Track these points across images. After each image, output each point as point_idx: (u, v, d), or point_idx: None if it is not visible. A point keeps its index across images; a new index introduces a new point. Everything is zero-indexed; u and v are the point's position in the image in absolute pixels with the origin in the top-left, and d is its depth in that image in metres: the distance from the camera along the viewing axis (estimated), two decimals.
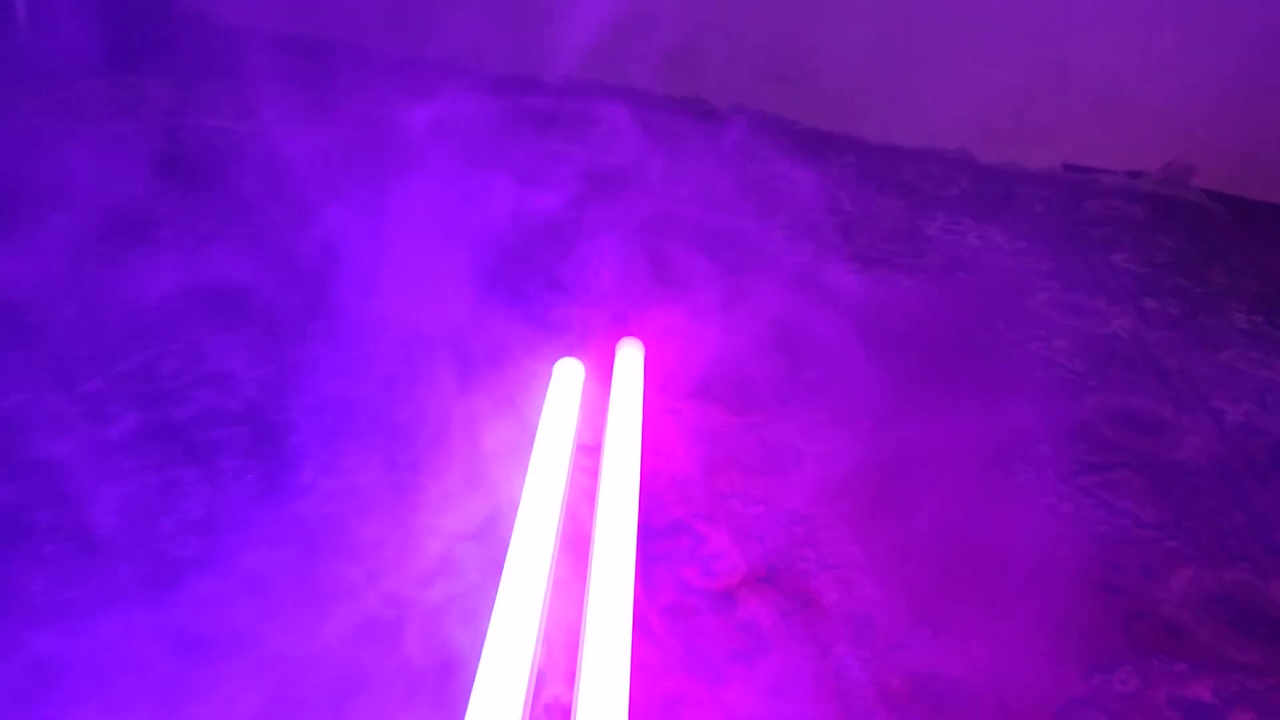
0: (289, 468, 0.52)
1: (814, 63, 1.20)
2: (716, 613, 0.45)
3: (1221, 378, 0.73)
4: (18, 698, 0.38)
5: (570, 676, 0.40)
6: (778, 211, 0.94)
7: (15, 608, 0.42)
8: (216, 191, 0.87)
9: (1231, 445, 0.64)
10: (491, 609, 0.40)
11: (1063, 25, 1.11)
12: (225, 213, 0.83)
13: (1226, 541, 0.54)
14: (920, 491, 0.56)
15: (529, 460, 0.51)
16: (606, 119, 1.11)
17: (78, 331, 0.63)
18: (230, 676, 0.39)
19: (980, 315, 0.79)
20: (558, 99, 1.16)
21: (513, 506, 0.47)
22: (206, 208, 0.83)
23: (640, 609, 0.43)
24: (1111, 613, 0.48)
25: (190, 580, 0.44)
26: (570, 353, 0.61)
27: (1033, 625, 0.46)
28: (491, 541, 0.48)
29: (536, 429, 0.53)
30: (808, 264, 0.84)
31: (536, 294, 0.73)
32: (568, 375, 0.58)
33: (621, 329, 0.66)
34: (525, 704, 0.37)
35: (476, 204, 0.84)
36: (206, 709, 0.38)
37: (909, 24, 1.14)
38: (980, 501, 0.55)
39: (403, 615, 0.43)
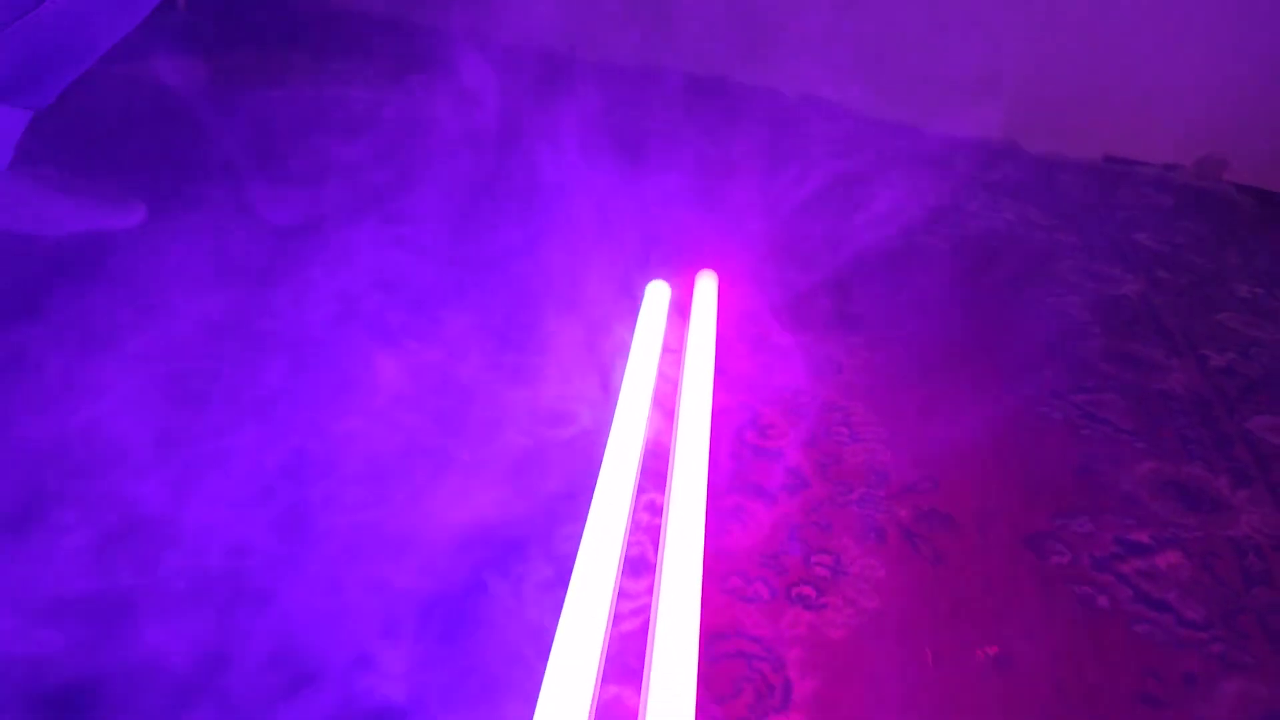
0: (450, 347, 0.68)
1: (879, 56, 1.32)
2: (770, 460, 0.59)
3: (1213, 333, 0.84)
4: None
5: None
6: (834, 189, 1.07)
7: None
8: (377, 143, 1.04)
9: (1209, 382, 0.75)
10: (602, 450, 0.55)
11: (1108, 26, 1.22)
12: (396, 155, 0.99)
13: (1188, 447, 0.66)
14: (937, 391, 0.69)
15: (629, 354, 0.66)
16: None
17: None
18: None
19: (1007, 271, 0.91)
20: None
21: (618, 384, 0.62)
22: (373, 157, 1.00)
23: (712, 452, 0.58)
24: (1080, 488, 0.61)
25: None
26: (663, 277, 0.76)
27: (1011, 481, 0.60)
28: (604, 406, 0.63)
29: (634, 333, 0.68)
30: (853, 226, 0.97)
31: (646, 238, 0.88)
32: (658, 294, 0.73)
33: (704, 264, 0.80)
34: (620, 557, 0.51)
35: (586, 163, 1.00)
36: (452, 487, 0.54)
37: (964, 17, 1.26)
38: (986, 403, 0.69)
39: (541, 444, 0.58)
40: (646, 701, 0.41)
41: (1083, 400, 0.71)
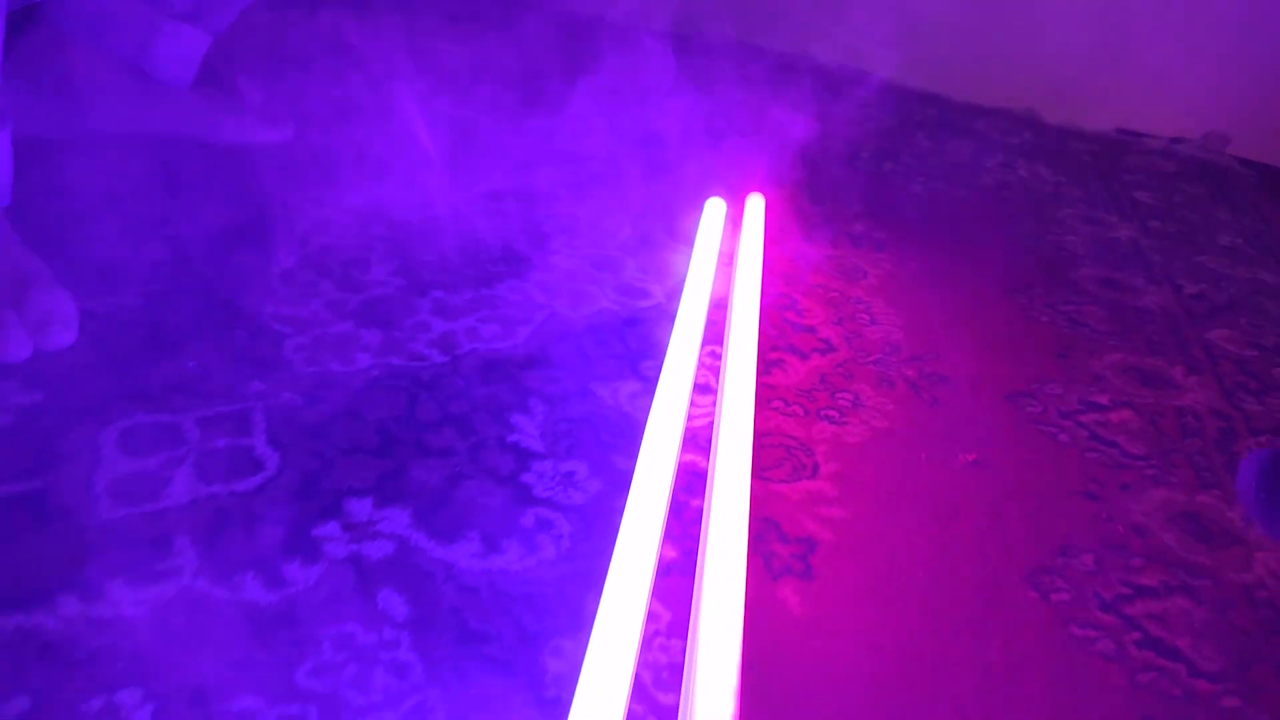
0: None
1: (910, 30, 1.46)
2: (804, 332, 0.74)
3: (1192, 270, 0.97)
4: None
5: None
6: (866, 141, 1.21)
7: None
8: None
9: (1180, 304, 0.89)
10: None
11: (1124, 8, 1.35)
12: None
13: (1154, 346, 0.80)
14: (944, 295, 0.84)
15: (693, 250, 0.81)
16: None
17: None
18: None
19: (1013, 213, 1.05)
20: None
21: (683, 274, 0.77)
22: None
23: (761, 326, 0.72)
24: (1058, 367, 0.75)
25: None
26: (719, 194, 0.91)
27: (1000, 358, 0.74)
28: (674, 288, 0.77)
29: (697, 235, 0.83)
30: (884, 173, 1.11)
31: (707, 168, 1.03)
32: (715, 208, 0.88)
33: (755, 188, 0.95)
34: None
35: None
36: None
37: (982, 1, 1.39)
38: (985, 306, 0.83)
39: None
40: (714, 470, 0.55)
41: (1068, 310, 0.85)
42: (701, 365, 0.68)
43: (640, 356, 0.68)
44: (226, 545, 0.46)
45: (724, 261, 0.83)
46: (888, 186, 1.07)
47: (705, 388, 0.65)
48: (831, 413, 0.65)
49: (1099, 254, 0.98)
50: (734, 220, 0.89)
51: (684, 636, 0.45)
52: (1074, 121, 1.43)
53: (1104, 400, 0.71)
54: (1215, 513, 0.60)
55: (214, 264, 0.70)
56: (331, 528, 0.48)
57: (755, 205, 0.92)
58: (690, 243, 0.83)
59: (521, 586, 0.46)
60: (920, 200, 1.06)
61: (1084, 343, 0.79)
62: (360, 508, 0.49)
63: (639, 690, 0.42)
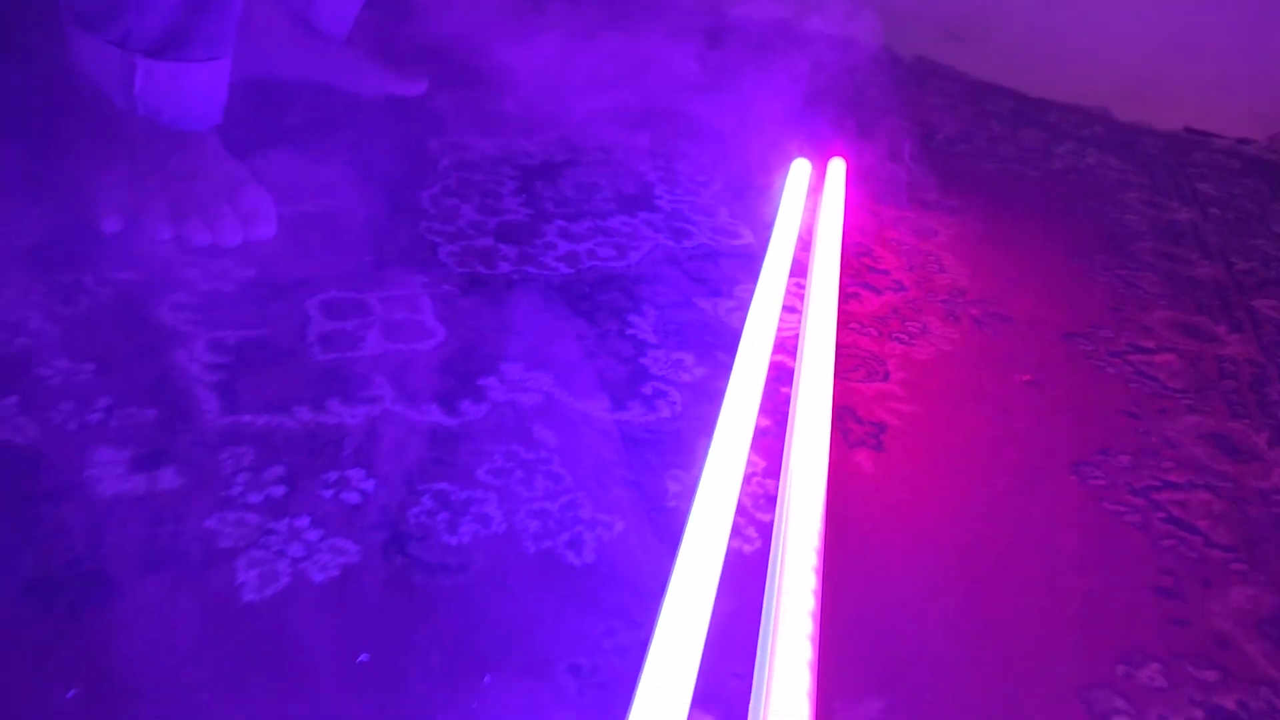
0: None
1: (982, 28, 1.53)
2: (879, 275, 0.83)
3: (1245, 250, 1.04)
4: None
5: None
6: (943, 124, 1.29)
7: None
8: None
9: (1231, 277, 0.96)
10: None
11: (1197, 14, 1.40)
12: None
13: (1202, 307, 0.87)
14: (1011, 254, 0.92)
15: (780, 201, 0.90)
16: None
17: None
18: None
19: (1080, 193, 1.12)
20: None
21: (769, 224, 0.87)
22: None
23: (840, 267, 0.82)
24: (1110, 318, 0.82)
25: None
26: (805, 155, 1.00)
27: (1059, 307, 0.82)
28: (763, 231, 0.87)
29: (784, 188, 0.93)
30: (960, 153, 1.19)
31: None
32: (801, 167, 0.98)
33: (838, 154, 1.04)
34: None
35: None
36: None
37: (1061, 2, 1.46)
38: (1047, 265, 0.91)
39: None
40: (800, 364, 0.65)
41: (1124, 274, 0.92)
42: (789, 293, 0.78)
43: (734, 282, 0.78)
44: (413, 385, 0.57)
45: (807, 215, 0.93)
46: (962, 164, 1.16)
47: (791, 309, 0.75)
48: (902, 336, 0.74)
49: (1158, 232, 1.05)
50: (818, 180, 0.99)
51: (776, 477, 0.55)
52: (1144, 119, 1.49)
53: (1150, 345, 0.79)
54: (1242, 436, 0.68)
55: (374, 187, 0.82)
56: (492, 381, 0.59)
57: (838, 167, 1.01)
58: (778, 197, 0.92)
59: (644, 434, 0.57)
60: (992, 177, 1.14)
61: (1136, 300, 0.87)
62: (513, 370, 0.60)
63: (741, 509, 0.52)
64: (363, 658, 0.39)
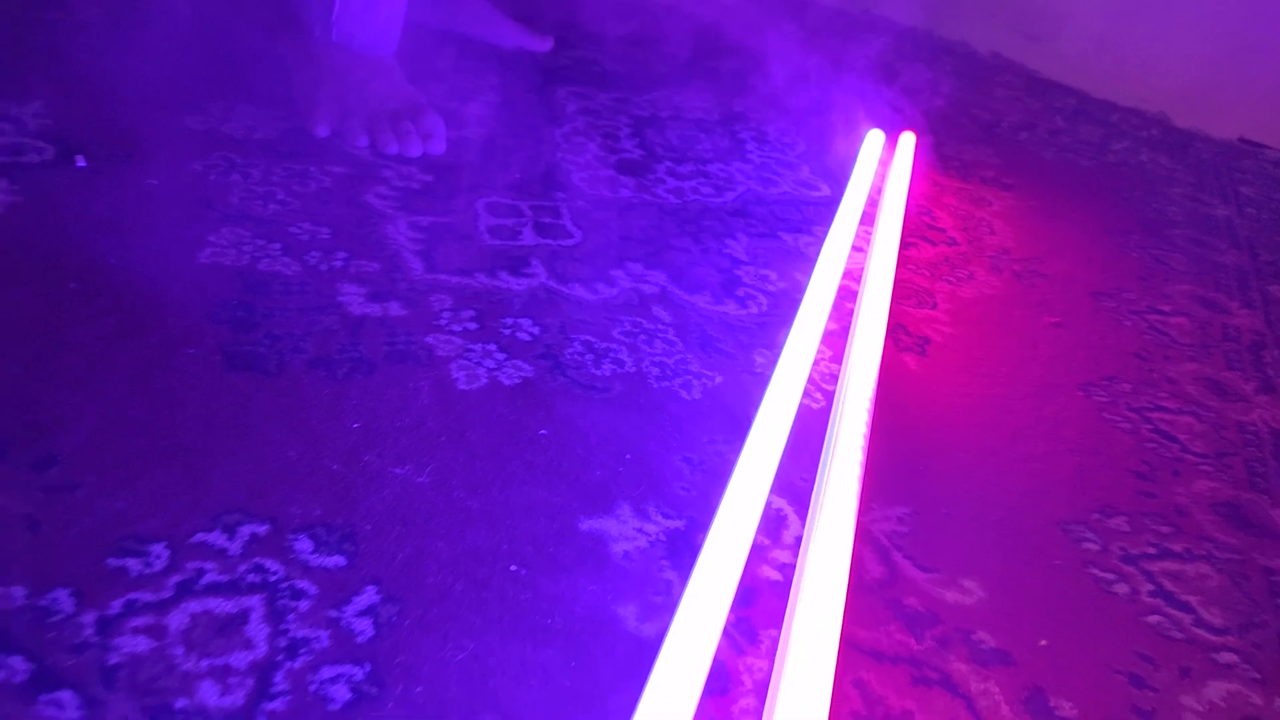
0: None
1: (1059, 32, 1.63)
2: (935, 232, 0.97)
3: (1273, 245, 1.15)
4: None
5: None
6: (1008, 114, 1.41)
7: None
8: None
9: (1254, 265, 1.07)
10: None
11: (1257, 27, 1.49)
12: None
13: (1221, 287, 0.99)
14: (1056, 227, 1.05)
15: (854, 166, 1.04)
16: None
17: None
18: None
19: (1127, 183, 1.24)
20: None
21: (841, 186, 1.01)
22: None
23: (903, 222, 0.95)
24: (1137, 285, 0.95)
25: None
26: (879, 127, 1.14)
27: (1092, 271, 0.95)
28: (837, 189, 1.01)
29: (858, 156, 1.07)
30: (1021, 141, 1.31)
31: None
32: (875, 138, 1.11)
33: (906, 129, 1.17)
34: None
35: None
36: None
37: (1132, 10, 1.56)
38: (1087, 238, 1.03)
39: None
40: (863, 288, 0.80)
41: (1156, 253, 1.04)
42: (857, 239, 0.92)
43: (813, 223, 0.92)
44: (561, 269, 0.73)
45: (877, 179, 1.06)
46: (1022, 149, 1.28)
47: (859, 248, 0.89)
48: (950, 279, 0.88)
49: (1194, 222, 1.17)
50: (888, 150, 1.13)
51: (839, 362, 0.70)
52: (1201, 127, 1.59)
53: (1167, 308, 0.92)
54: (1233, 383, 0.81)
55: (517, 123, 0.98)
56: (619, 273, 0.74)
57: (907, 140, 1.14)
58: (853, 161, 1.06)
59: (738, 322, 0.72)
60: (1048, 163, 1.26)
61: (1162, 274, 1.00)
62: (634, 267, 0.76)
63: (812, 381, 0.67)
64: (543, 432, 0.55)
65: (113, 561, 0.42)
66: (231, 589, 0.42)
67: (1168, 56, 1.56)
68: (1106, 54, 1.60)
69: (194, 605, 0.41)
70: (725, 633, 0.45)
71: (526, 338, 0.64)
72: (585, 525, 0.50)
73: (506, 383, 0.59)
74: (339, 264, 0.66)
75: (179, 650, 0.39)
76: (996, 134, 1.32)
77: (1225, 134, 1.57)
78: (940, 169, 1.14)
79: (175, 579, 0.42)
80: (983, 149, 1.24)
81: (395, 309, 0.63)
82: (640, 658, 0.43)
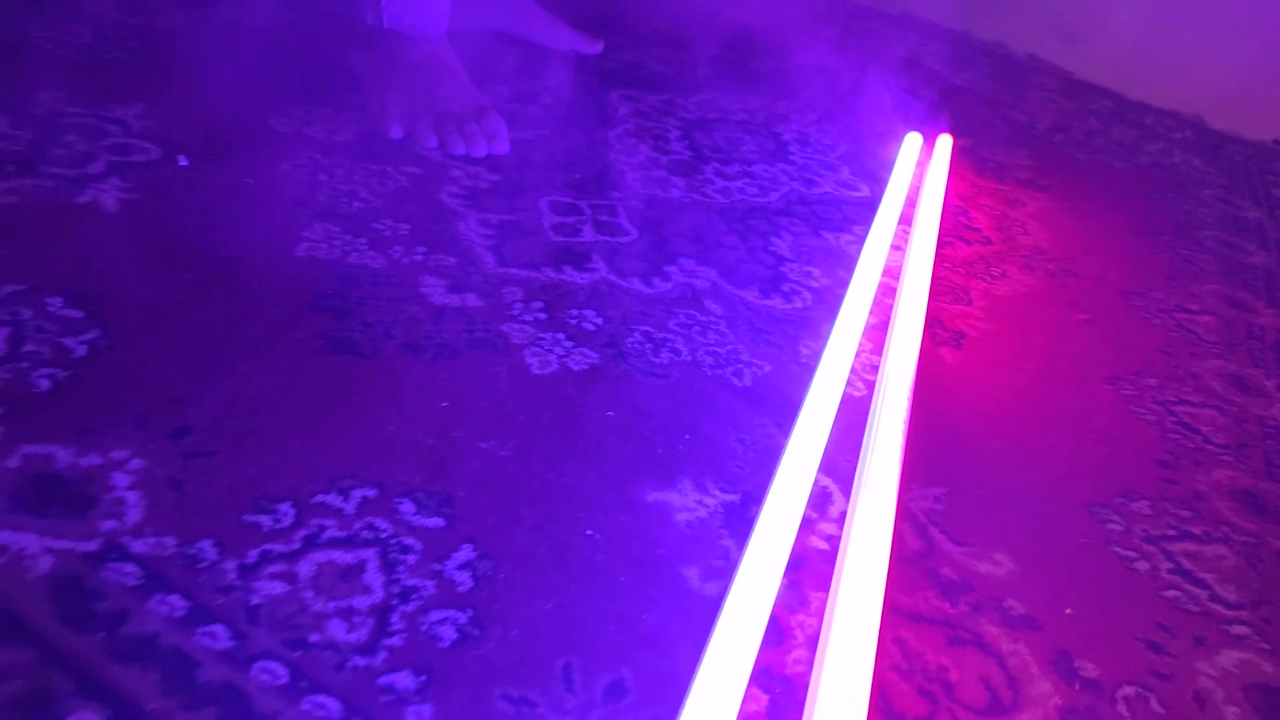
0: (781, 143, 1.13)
1: (1094, 32, 1.66)
2: (970, 231, 1.01)
3: None
4: None
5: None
6: (1043, 115, 1.45)
7: None
8: None
9: (1277, 260, 1.10)
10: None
11: None
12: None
13: (1248, 286, 1.02)
14: (1087, 227, 1.08)
15: (894, 167, 1.08)
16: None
17: None
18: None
19: (1160, 185, 1.27)
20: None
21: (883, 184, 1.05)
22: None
23: (940, 222, 1.00)
24: (1166, 284, 0.99)
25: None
26: (917, 129, 1.18)
27: (1124, 272, 0.99)
28: (878, 189, 1.06)
29: (897, 157, 1.11)
30: (1057, 143, 1.35)
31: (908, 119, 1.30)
32: (913, 140, 1.15)
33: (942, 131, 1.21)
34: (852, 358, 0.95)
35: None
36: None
37: (1169, 12, 1.58)
38: (1116, 239, 1.07)
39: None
40: (901, 286, 0.84)
41: (1185, 253, 1.08)
42: (897, 237, 0.96)
43: (853, 222, 0.97)
44: (619, 264, 0.79)
45: (915, 179, 1.11)
46: (1056, 151, 1.32)
47: (897, 247, 0.94)
48: (985, 277, 0.92)
49: (1224, 224, 1.20)
50: (926, 153, 1.17)
51: (879, 353, 0.75)
52: (1235, 129, 1.61)
53: (1194, 307, 0.95)
54: (1256, 379, 0.84)
55: (572, 125, 1.04)
56: (673, 269, 0.80)
57: (945, 141, 1.18)
58: (892, 163, 1.11)
59: (784, 315, 0.77)
60: (1082, 165, 1.30)
61: (1190, 274, 1.03)
62: (687, 263, 0.81)
63: (854, 371, 0.72)
64: (609, 414, 0.61)
65: (247, 518, 0.48)
66: (349, 543, 0.48)
67: (1205, 59, 1.58)
68: (1143, 56, 1.63)
69: (319, 556, 0.47)
70: (779, 593, 0.51)
71: (591, 328, 0.69)
72: (651, 497, 0.55)
73: (575, 368, 0.65)
74: (419, 258, 0.72)
75: (309, 594, 0.45)
76: (1032, 136, 1.36)
77: (1260, 136, 1.59)
78: (976, 171, 1.18)
79: (301, 533, 0.48)
80: (1018, 151, 1.28)
81: (472, 300, 0.69)
82: (704, 613, 0.49)
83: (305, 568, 0.46)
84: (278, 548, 0.47)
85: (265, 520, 0.48)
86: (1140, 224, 1.14)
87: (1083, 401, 0.76)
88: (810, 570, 0.54)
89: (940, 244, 0.96)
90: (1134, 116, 1.56)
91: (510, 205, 0.84)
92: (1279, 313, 0.99)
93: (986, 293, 0.90)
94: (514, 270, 0.74)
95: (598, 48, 1.28)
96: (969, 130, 1.29)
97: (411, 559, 0.48)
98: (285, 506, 0.49)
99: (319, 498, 0.50)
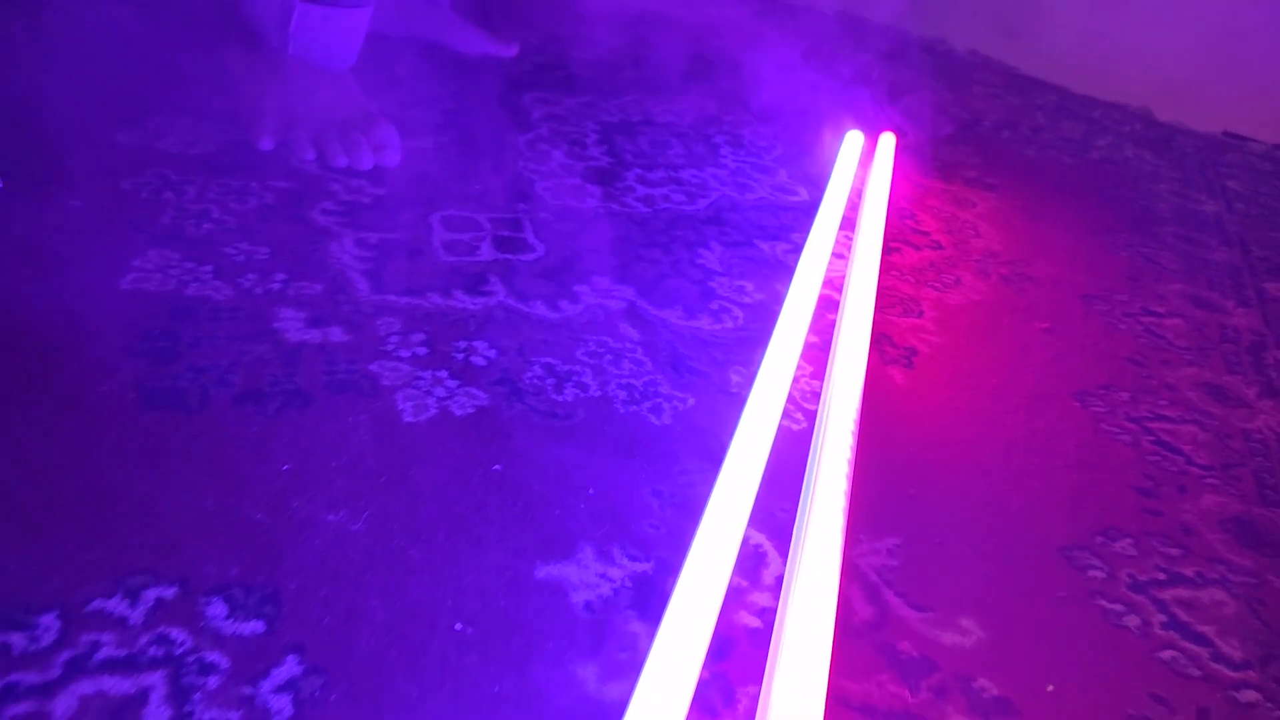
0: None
1: (1038, 27, 1.60)
2: (920, 235, 0.93)
3: (1262, 240, 1.11)
4: None
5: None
6: (988, 112, 1.38)
7: None
8: None
9: (1246, 261, 1.04)
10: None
11: (1238, 24, 1.47)
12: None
13: (1215, 286, 0.95)
14: (1041, 227, 1.01)
15: (834, 169, 1.00)
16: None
17: None
18: None
19: (1112, 181, 1.20)
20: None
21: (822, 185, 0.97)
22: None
23: (886, 226, 0.91)
24: (1128, 286, 0.91)
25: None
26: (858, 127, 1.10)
27: (1078, 271, 0.91)
28: (816, 193, 0.97)
29: (837, 158, 1.02)
30: (1004, 139, 1.28)
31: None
32: (854, 139, 1.07)
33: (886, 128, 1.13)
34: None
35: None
36: None
37: (1108, 2, 1.53)
38: (1073, 237, 1.00)
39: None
40: (845, 299, 0.75)
41: (1146, 251, 1.01)
42: (837, 245, 0.88)
43: (791, 229, 0.88)
44: (521, 285, 0.68)
45: (857, 181, 1.02)
46: (1004, 148, 1.25)
47: (839, 255, 0.85)
48: (936, 284, 0.84)
49: (1182, 219, 1.13)
50: (868, 152, 1.08)
51: (821, 379, 0.65)
52: (1184, 121, 1.56)
53: (1161, 310, 0.88)
54: (1234, 387, 0.77)
55: (478, 131, 0.94)
56: (584, 289, 0.70)
57: (887, 140, 1.10)
58: (831, 164, 1.02)
59: (711, 338, 0.68)
60: (1031, 161, 1.23)
61: (1153, 274, 0.96)
62: (601, 281, 0.71)
63: (791, 400, 0.62)
64: (496, 467, 0.50)
65: None
66: (130, 665, 0.37)
67: (1150, 50, 1.53)
68: (1087, 49, 1.57)
69: (85, 686, 0.36)
70: (697, 693, 0.41)
71: (482, 362, 0.59)
72: (541, 573, 0.45)
73: (458, 413, 0.54)
74: (276, 286, 0.61)
75: None
76: (978, 133, 1.29)
77: (1209, 127, 1.54)
78: (921, 170, 1.11)
79: (65, 655, 0.36)
80: (964, 149, 1.21)
81: (337, 334, 0.58)
82: None
83: (64, 704, 0.35)
84: (29, 678, 0.36)
85: (18, 639, 0.37)
86: (1095, 222, 1.07)
87: (1049, 422, 0.67)
88: (738, 658, 0.44)
89: (886, 250, 0.88)
90: (1081, 110, 1.50)
91: (395, 222, 0.73)
92: (1250, 312, 0.92)
93: (939, 302, 0.81)
94: (392, 297, 0.63)
95: (512, 51, 1.18)
96: (913, 127, 1.22)
97: (213, 682, 0.37)
98: (49, 618, 0.38)
99: (96, 603, 0.39)
